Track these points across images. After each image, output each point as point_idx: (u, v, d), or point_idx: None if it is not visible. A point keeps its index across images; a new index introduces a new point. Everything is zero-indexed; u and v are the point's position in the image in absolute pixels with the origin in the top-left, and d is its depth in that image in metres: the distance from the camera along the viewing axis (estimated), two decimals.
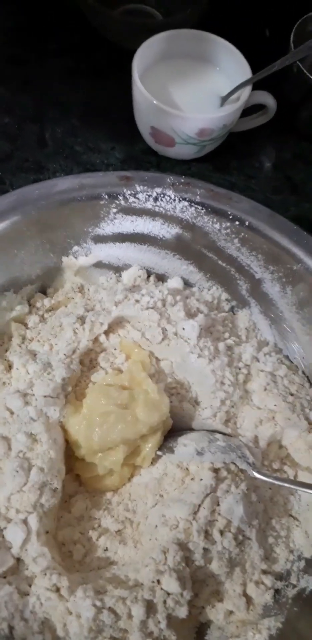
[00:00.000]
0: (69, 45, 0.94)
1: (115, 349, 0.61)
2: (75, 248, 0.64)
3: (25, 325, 0.62)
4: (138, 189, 0.60)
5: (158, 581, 0.49)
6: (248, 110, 0.79)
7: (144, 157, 0.83)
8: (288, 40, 0.83)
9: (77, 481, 0.59)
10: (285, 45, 0.84)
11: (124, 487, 0.58)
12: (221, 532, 0.52)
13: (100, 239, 0.64)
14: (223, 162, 0.85)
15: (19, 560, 0.50)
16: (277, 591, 0.54)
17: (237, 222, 0.61)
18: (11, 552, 0.50)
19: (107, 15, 0.88)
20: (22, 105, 0.86)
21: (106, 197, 0.60)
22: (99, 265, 0.66)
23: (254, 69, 0.76)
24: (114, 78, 0.90)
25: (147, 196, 0.61)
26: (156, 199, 0.61)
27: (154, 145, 0.81)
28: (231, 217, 0.60)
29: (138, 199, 0.61)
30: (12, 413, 0.55)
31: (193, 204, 0.61)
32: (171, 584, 0.48)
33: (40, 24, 0.95)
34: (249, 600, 0.53)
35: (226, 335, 0.63)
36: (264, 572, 0.54)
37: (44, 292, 0.66)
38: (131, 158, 0.83)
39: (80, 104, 0.87)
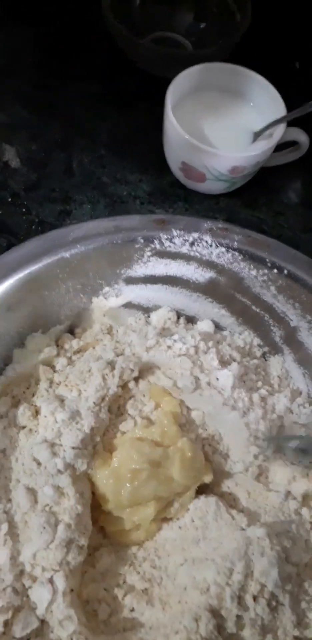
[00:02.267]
0: (96, 71, 0.93)
1: (144, 395, 0.59)
2: (106, 289, 0.62)
3: (53, 367, 0.60)
4: (175, 233, 0.58)
5: None
6: (279, 146, 0.78)
7: (171, 191, 0.82)
8: None
9: (100, 533, 0.57)
10: None
11: (149, 542, 0.56)
12: (255, 598, 0.49)
13: (131, 281, 0.63)
14: (252, 198, 0.83)
15: (43, 622, 0.48)
16: None
17: (275, 270, 0.59)
18: (36, 613, 0.48)
19: (136, 43, 0.87)
20: (49, 132, 0.84)
21: (142, 240, 0.58)
22: (128, 305, 0.65)
23: (284, 102, 0.75)
24: (141, 106, 0.89)
25: (183, 241, 0.59)
26: (192, 244, 0.59)
27: (183, 179, 0.79)
28: (269, 264, 0.59)
29: (174, 243, 0.59)
30: (39, 464, 0.53)
31: (230, 250, 0.59)
32: None
33: (67, 49, 0.94)
34: None
35: (259, 384, 0.61)
36: (297, 638, 0.52)
37: (71, 332, 0.64)
38: (159, 191, 0.81)
39: (107, 132, 0.86)
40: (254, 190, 0.83)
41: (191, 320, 0.66)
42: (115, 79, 0.92)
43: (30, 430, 0.56)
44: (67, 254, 0.56)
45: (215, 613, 0.48)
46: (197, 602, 0.49)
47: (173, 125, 0.71)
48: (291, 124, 0.76)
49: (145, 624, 0.51)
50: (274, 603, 0.50)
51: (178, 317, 0.66)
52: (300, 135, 0.78)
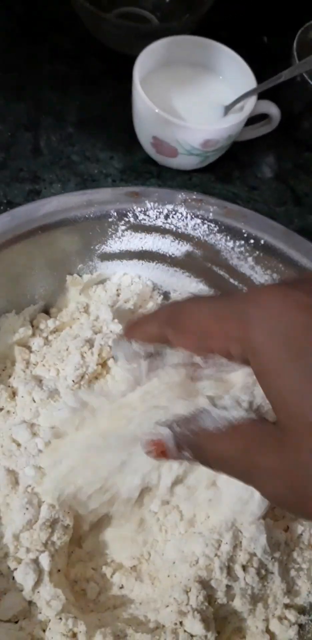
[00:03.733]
0: (62, 50, 0.90)
1: None
2: (80, 266, 0.61)
3: (29, 348, 0.59)
4: (148, 205, 0.57)
5: (181, 623, 0.46)
6: (250, 119, 0.77)
7: (143, 167, 0.80)
8: (286, 46, 0.81)
9: None
10: (283, 52, 0.82)
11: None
12: (244, 567, 0.49)
13: (106, 257, 0.61)
14: (225, 172, 0.82)
15: (30, 603, 0.47)
16: (301, 626, 0.51)
17: (251, 241, 0.58)
18: (23, 594, 0.47)
19: (100, 18, 0.84)
20: (15, 113, 0.82)
21: (115, 214, 0.57)
22: (104, 282, 0.63)
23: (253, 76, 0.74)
24: (109, 84, 0.87)
25: (158, 213, 0.58)
26: (166, 216, 0.58)
27: (155, 155, 0.78)
28: (245, 235, 0.58)
29: (148, 216, 0.58)
30: (18, 445, 0.52)
31: (206, 222, 0.58)
32: (194, 625, 0.45)
33: (32, 29, 0.91)
34: (272, 636, 0.50)
35: None
36: (287, 606, 0.51)
37: (46, 312, 0.62)
38: (130, 168, 0.80)
39: (75, 111, 0.84)
40: (227, 165, 0.82)
41: (169, 295, 0.65)
42: (82, 58, 0.90)
43: (8, 412, 0.54)
44: (37, 231, 0.55)
45: (205, 584, 0.48)
46: (187, 575, 0.48)
47: (142, 98, 0.70)
48: (261, 97, 0.75)
49: (135, 600, 0.50)
50: (263, 572, 0.50)
51: (161, 295, 0.65)
52: (271, 108, 0.77)
